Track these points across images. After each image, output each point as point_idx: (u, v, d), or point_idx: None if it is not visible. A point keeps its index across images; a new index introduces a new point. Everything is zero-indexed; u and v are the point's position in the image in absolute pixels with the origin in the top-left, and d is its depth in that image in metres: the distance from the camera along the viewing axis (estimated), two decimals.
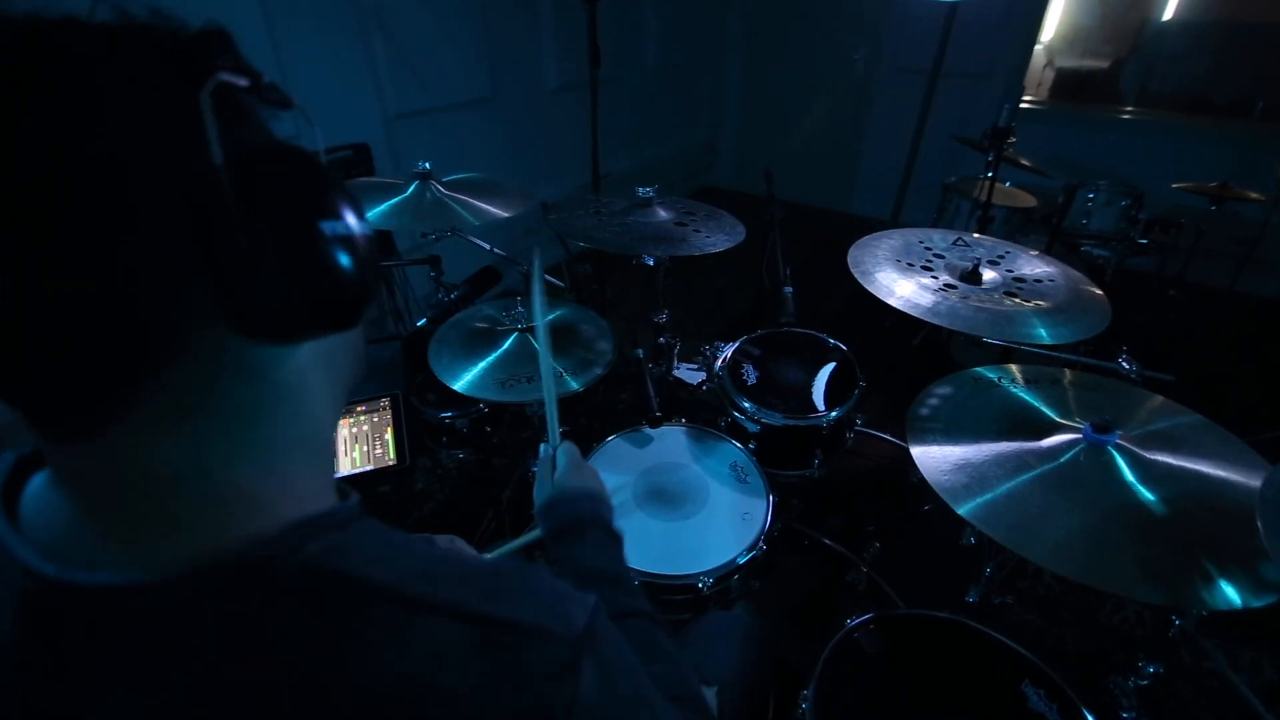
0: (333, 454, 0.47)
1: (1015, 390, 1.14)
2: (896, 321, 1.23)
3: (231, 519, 0.37)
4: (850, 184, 4.46)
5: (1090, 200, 2.54)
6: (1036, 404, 1.12)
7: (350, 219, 0.36)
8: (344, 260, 0.35)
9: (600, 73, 1.98)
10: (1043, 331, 1.14)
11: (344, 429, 1.35)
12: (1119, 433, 0.98)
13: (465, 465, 2.14)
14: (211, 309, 0.33)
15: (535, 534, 0.85)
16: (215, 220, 0.31)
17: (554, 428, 0.90)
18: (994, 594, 1.47)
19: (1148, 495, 0.92)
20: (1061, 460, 0.99)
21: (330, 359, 0.43)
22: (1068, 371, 1.20)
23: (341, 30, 2.30)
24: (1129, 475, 0.95)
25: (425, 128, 2.73)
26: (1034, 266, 1.36)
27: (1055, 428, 1.05)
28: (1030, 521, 0.89)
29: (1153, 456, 0.97)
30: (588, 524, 0.76)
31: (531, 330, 1.42)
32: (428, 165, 1.54)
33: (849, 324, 3.11)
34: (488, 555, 0.91)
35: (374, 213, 1.44)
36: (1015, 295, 1.25)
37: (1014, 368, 1.20)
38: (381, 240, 2.54)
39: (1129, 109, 3.80)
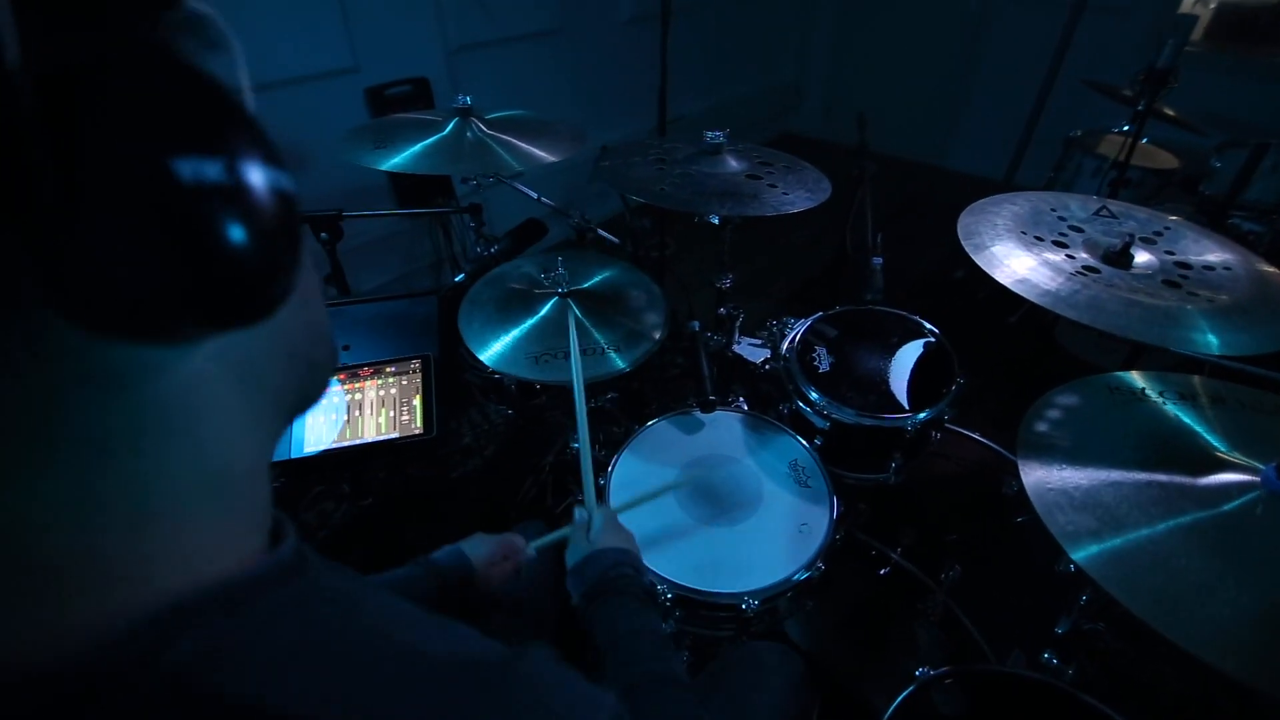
0: (263, 490, 0.34)
1: (1168, 407, 0.91)
2: (992, 294, 1.00)
3: (68, 602, 0.24)
4: (948, 135, 4.00)
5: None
6: (1195, 427, 0.88)
7: (251, 168, 0.25)
8: (232, 227, 0.24)
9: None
10: (1212, 339, 0.88)
11: (371, 390, 1.25)
12: None
13: (513, 423, 2.07)
14: (33, 288, 0.21)
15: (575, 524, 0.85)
16: (14, 154, 0.19)
17: (590, 489, 0.87)
18: (1085, 620, 1.26)
19: None
20: (1226, 509, 0.77)
21: (247, 365, 0.31)
22: (1198, 380, 0.95)
23: None
24: None
25: (488, 61, 2.57)
26: (1204, 250, 1.08)
27: (1219, 464, 0.82)
28: (1182, 590, 0.69)
29: None
30: (622, 586, 0.73)
31: (572, 295, 1.27)
32: (469, 100, 1.38)
33: (936, 295, 2.85)
34: (532, 546, 0.90)
35: (407, 153, 1.30)
36: (1178, 285, 0.99)
37: (1164, 376, 0.95)
38: (438, 182, 2.44)
39: None
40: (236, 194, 0.24)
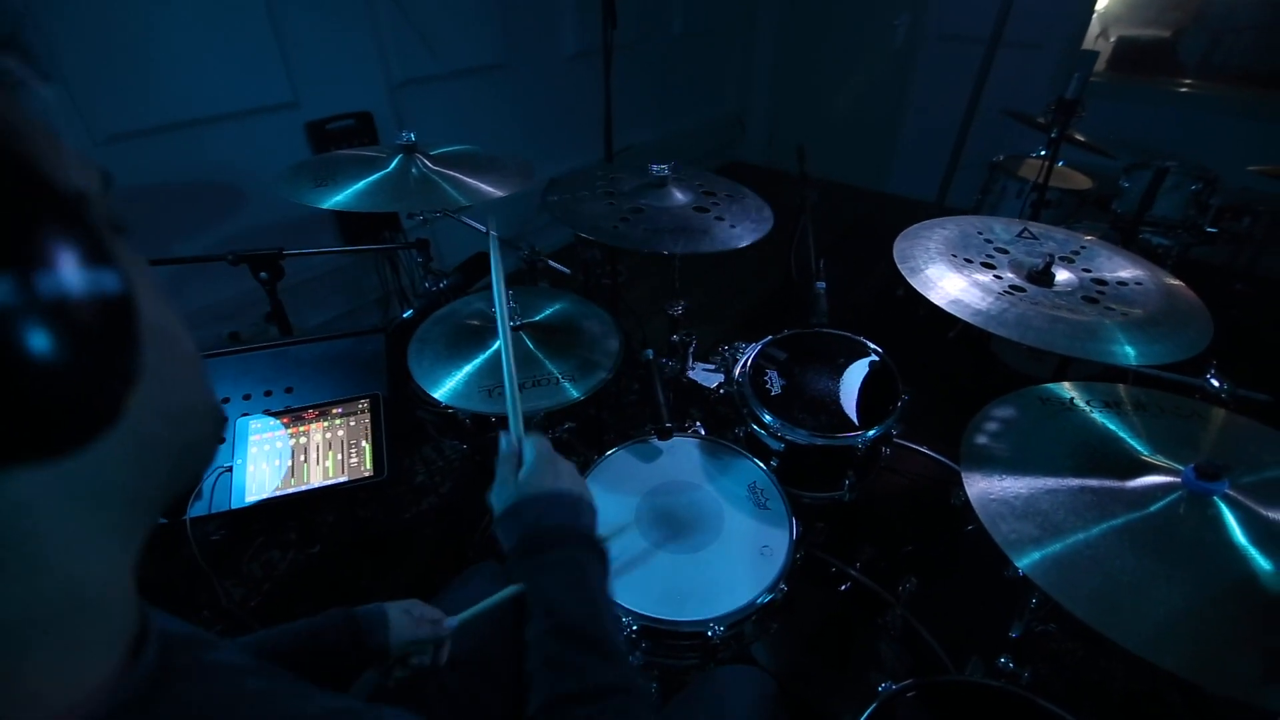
0: (120, 601, 0.30)
1: (1094, 414, 0.96)
2: (931, 312, 1.05)
3: None
4: (887, 161, 4.20)
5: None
6: (1120, 433, 0.93)
7: (53, 276, 0.21)
8: (22, 356, 0.20)
9: (618, 35, 1.79)
10: (1129, 349, 0.94)
11: (317, 433, 1.21)
12: (1228, 480, 0.80)
13: (469, 458, 2.03)
14: None
15: (506, 592, 0.68)
16: None
17: (516, 416, 0.73)
18: (1036, 622, 1.31)
19: (1265, 565, 0.74)
20: (1152, 510, 0.81)
21: (86, 480, 0.26)
22: (1122, 388, 1.01)
23: None
24: (1241, 537, 0.76)
25: (432, 95, 2.57)
26: (1117, 267, 1.16)
27: (1145, 467, 0.87)
28: (1119, 592, 0.72)
29: (1272, 514, 0.78)
30: (562, 537, 0.63)
31: (524, 328, 1.26)
32: (412, 137, 1.37)
33: (879, 313, 2.96)
34: (452, 621, 0.77)
35: (350, 190, 1.28)
36: (1096, 301, 1.05)
37: (1091, 386, 1.01)
38: (384, 217, 2.40)
39: (1194, 83, 3.47)
40: (28, 315, 0.20)
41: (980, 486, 0.86)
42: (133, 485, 0.29)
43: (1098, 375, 1.19)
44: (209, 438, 0.34)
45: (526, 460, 0.69)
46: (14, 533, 0.24)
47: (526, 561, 0.62)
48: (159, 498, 0.31)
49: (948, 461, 1.75)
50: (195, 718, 0.29)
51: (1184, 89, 3.45)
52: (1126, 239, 2.31)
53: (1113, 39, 3.65)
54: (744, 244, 1.25)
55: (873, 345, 1.41)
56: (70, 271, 0.22)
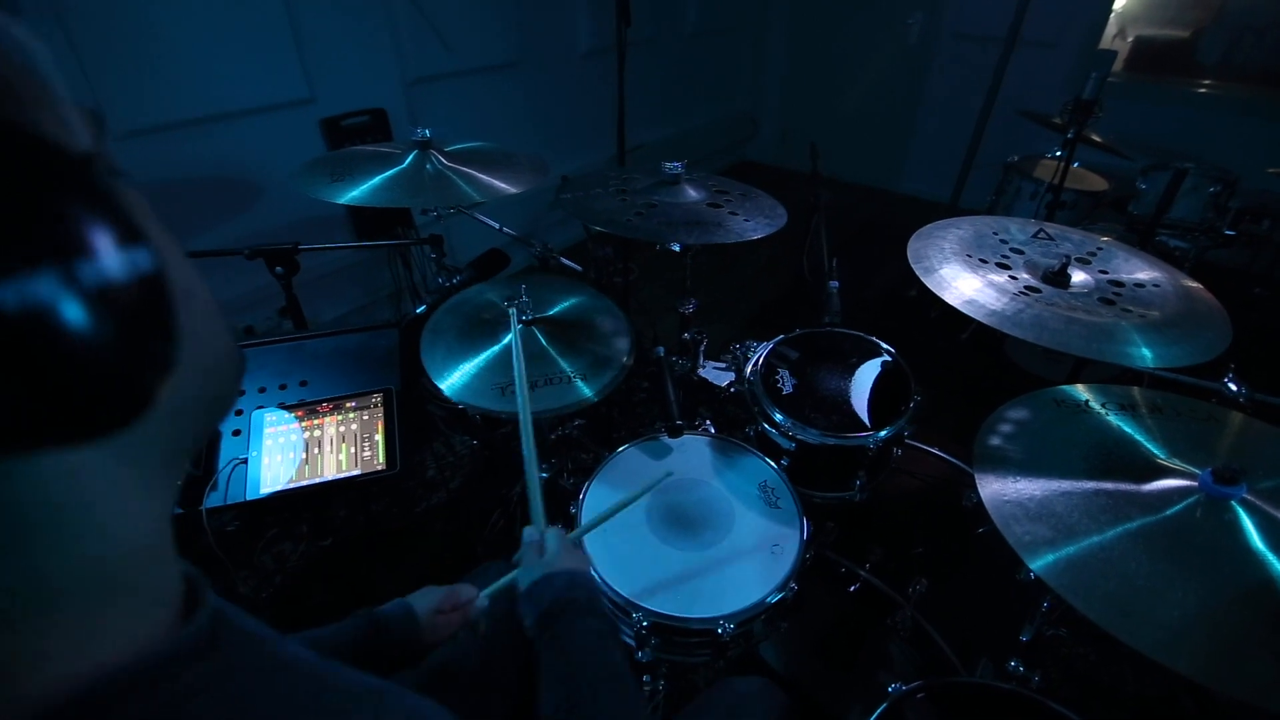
0: (166, 556, 0.32)
1: (1110, 417, 0.95)
2: (944, 312, 1.05)
3: None
4: (900, 161, 4.17)
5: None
6: (1136, 436, 0.93)
7: (92, 263, 0.21)
8: (72, 341, 0.21)
9: (631, 34, 1.79)
10: (1146, 352, 0.93)
11: (330, 426, 1.22)
12: (1246, 485, 0.79)
13: (479, 454, 2.04)
14: None
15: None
16: None
17: (538, 510, 0.82)
18: (1047, 626, 1.30)
19: None
20: (1167, 513, 0.80)
21: (133, 443, 0.26)
22: (1138, 391, 1.00)
23: None
24: (1259, 542, 0.76)
25: (446, 92, 2.59)
26: (1134, 268, 1.15)
27: (1161, 470, 0.86)
28: (1133, 595, 0.72)
29: None
30: (578, 611, 0.68)
31: (536, 323, 1.27)
32: (427, 133, 1.38)
33: (891, 314, 2.94)
34: (483, 600, 0.82)
35: (365, 186, 1.29)
36: (1112, 302, 1.04)
37: (1106, 389, 1.00)
38: (397, 213, 2.42)
39: (1212, 83, 3.42)
40: (77, 301, 0.21)
41: (994, 488, 0.86)
42: (171, 444, 0.30)
43: (1113, 378, 1.18)
44: (232, 385, 0.35)
45: (550, 547, 0.77)
46: (62, 501, 0.25)
47: (550, 629, 0.67)
48: (191, 449, 0.33)
49: (959, 463, 1.74)
50: (243, 676, 0.30)
51: (1203, 89, 3.41)
52: (1143, 241, 2.29)
53: (1130, 39, 3.61)
54: (757, 235, 1.25)
55: (885, 345, 1.40)
56: (113, 254, 0.22)
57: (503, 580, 0.81)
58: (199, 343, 0.29)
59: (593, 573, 0.80)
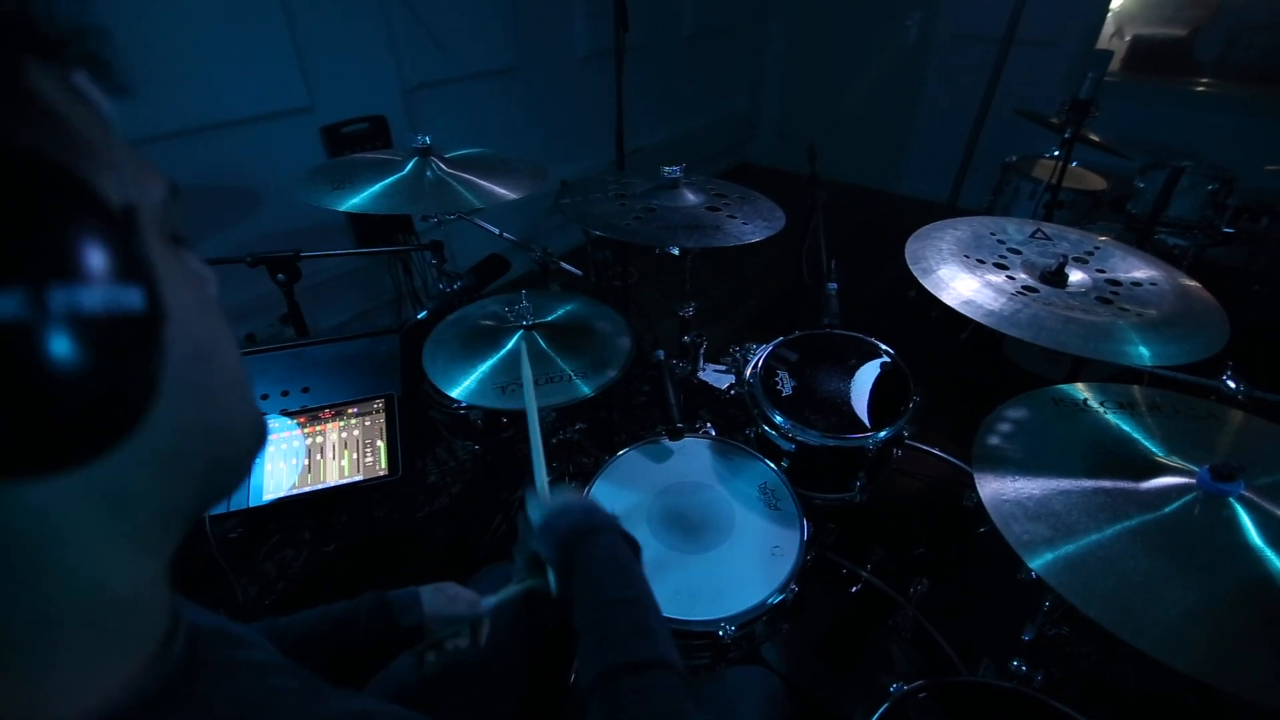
0: (154, 602, 0.31)
1: (1108, 416, 0.96)
2: (944, 313, 1.06)
3: None
4: (898, 162, 4.18)
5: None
6: (1134, 434, 0.93)
7: (91, 280, 0.22)
8: (32, 370, 0.21)
9: (629, 37, 1.80)
10: (1144, 350, 0.94)
11: (333, 432, 1.23)
12: (1244, 481, 0.80)
13: (480, 458, 2.04)
14: None
15: (529, 583, 0.74)
16: None
17: (541, 475, 0.80)
18: (1048, 625, 1.30)
19: None
20: (1166, 511, 0.81)
21: (106, 491, 0.26)
22: (1138, 390, 1.00)
23: None
24: (1257, 538, 0.76)
25: (446, 99, 2.60)
26: (1131, 267, 1.15)
27: (1159, 468, 0.86)
28: (1133, 593, 0.72)
29: None
30: (598, 530, 0.67)
31: (536, 328, 1.27)
32: (428, 139, 1.39)
33: (890, 315, 2.95)
34: (488, 600, 0.80)
35: (366, 194, 1.30)
36: (1110, 301, 1.05)
37: (1105, 387, 1.01)
38: (398, 219, 2.43)
39: (1210, 81, 3.42)
40: (45, 326, 0.20)
41: (993, 487, 0.86)
42: (159, 496, 0.29)
43: (1112, 377, 1.18)
44: (246, 455, 0.34)
45: (558, 496, 0.76)
46: (36, 539, 0.24)
47: (574, 560, 0.66)
48: (190, 508, 0.32)
49: (959, 463, 1.74)
50: (217, 714, 0.30)
51: (1200, 88, 3.41)
52: (1142, 240, 2.29)
53: (1128, 38, 3.62)
54: (756, 238, 1.25)
55: (884, 346, 1.40)
56: (92, 286, 0.22)
57: (507, 591, 0.79)
58: (203, 401, 0.30)
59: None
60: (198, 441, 0.30)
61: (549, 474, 0.81)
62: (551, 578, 0.68)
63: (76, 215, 0.22)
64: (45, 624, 0.25)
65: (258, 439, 0.35)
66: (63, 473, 0.23)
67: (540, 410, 1.14)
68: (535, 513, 0.73)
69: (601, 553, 0.66)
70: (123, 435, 0.24)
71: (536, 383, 1.16)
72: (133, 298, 0.24)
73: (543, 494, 0.77)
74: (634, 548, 0.71)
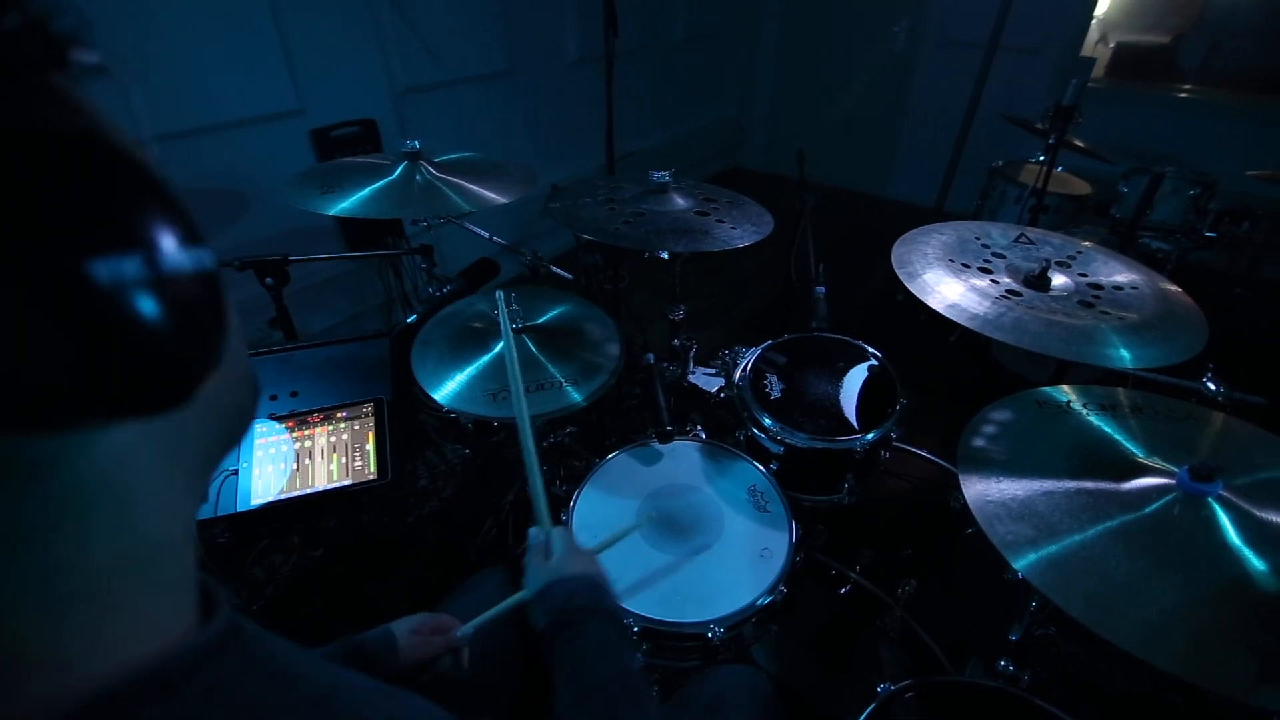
0: (190, 557, 0.33)
1: (1090, 417, 0.97)
2: (932, 317, 1.07)
3: None
4: (887, 166, 4.21)
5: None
6: (1116, 435, 0.94)
7: (168, 256, 0.25)
8: (146, 321, 0.24)
9: (620, 42, 1.81)
10: (1125, 353, 0.95)
11: (321, 437, 1.22)
12: (1222, 482, 0.81)
13: (471, 463, 2.04)
14: None
15: (519, 596, 0.77)
16: None
17: (543, 511, 0.81)
18: (1036, 625, 1.31)
19: (1259, 565, 0.75)
20: (1146, 511, 0.82)
21: (175, 434, 0.29)
22: (1122, 392, 1.02)
23: None
24: (1235, 538, 0.77)
25: (436, 102, 2.59)
26: (1112, 271, 1.17)
27: (1140, 469, 0.87)
28: (1114, 592, 0.73)
29: (1266, 515, 0.79)
30: (588, 615, 0.68)
31: (526, 331, 1.27)
32: (416, 144, 1.39)
33: (880, 318, 2.97)
34: (466, 629, 0.81)
35: (355, 197, 1.30)
36: (1091, 305, 1.07)
37: (1088, 389, 1.02)
38: (387, 223, 2.42)
39: (1193, 87, 3.48)
40: (150, 286, 0.24)
41: (977, 488, 0.87)
42: (204, 444, 0.32)
43: (1098, 379, 1.20)
44: (255, 399, 0.37)
45: (555, 550, 0.76)
46: (112, 486, 0.26)
47: (561, 637, 0.67)
48: (218, 456, 0.35)
49: (947, 465, 1.75)
50: (263, 674, 0.31)
51: (1183, 94, 3.47)
52: (1125, 244, 2.32)
53: (1112, 44, 3.67)
54: (744, 243, 1.26)
55: (872, 349, 1.42)
56: (181, 250, 0.25)
57: (486, 615, 0.80)
58: (233, 353, 0.31)
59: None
60: (230, 390, 0.33)
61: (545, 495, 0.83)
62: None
63: (145, 187, 0.25)
64: (118, 561, 0.27)
65: (257, 386, 0.38)
66: (161, 414, 0.26)
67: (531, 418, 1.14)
68: (532, 580, 0.74)
69: (585, 642, 0.66)
70: (203, 383, 0.27)
71: (527, 391, 1.16)
72: (206, 257, 0.27)
73: (542, 540, 0.78)
74: (625, 631, 0.72)
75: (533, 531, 0.80)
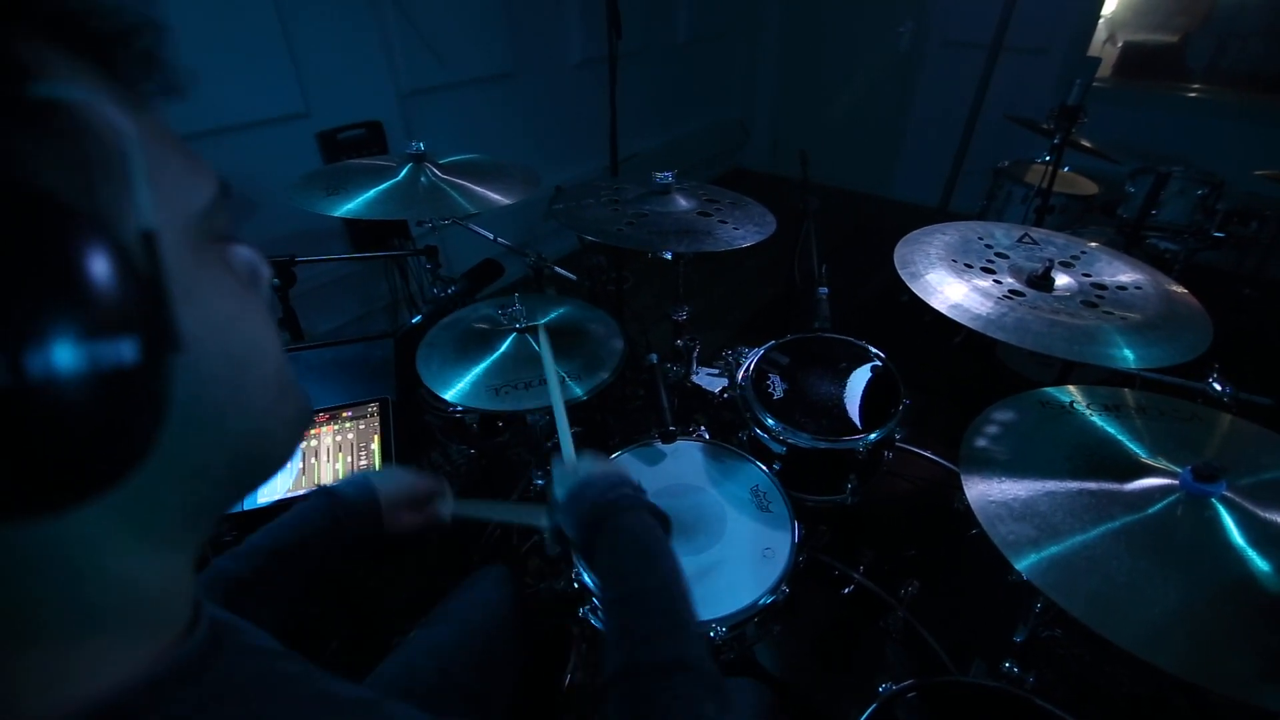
0: (181, 592, 0.32)
1: (1094, 418, 0.97)
2: (936, 318, 1.07)
3: None
4: (891, 167, 4.21)
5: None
6: (1119, 436, 0.94)
7: (65, 348, 0.21)
8: (36, 428, 0.21)
9: (623, 44, 1.82)
10: (1128, 353, 0.95)
11: (327, 436, 1.23)
12: (1226, 482, 0.81)
13: (476, 462, 2.04)
14: None
15: (527, 511, 0.78)
16: None
17: (568, 447, 0.80)
18: (1041, 627, 1.31)
19: (1262, 565, 0.74)
20: (1150, 511, 0.82)
21: (131, 503, 0.27)
22: (1129, 393, 1.01)
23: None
24: (1238, 538, 0.77)
25: (441, 104, 2.61)
26: (1116, 271, 1.16)
27: (1142, 469, 0.87)
28: (1116, 593, 0.73)
29: (1270, 516, 0.79)
30: (627, 506, 0.66)
31: (528, 330, 1.28)
32: (421, 146, 1.40)
33: (884, 319, 2.96)
34: (450, 512, 0.85)
35: (360, 199, 1.31)
36: (1095, 305, 1.06)
37: (1092, 390, 1.02)
38: (393, 224, 2.44)
39: (1200, 87, 3.46)
40: (29, 392, 0.20)
41: (979, 489, 0.87)
42: (186, 503, 0.30)
43: (1102, 380, 1.19)
44: (284, 450, 0.35)
45: (585, 464, 0.75)
46: (71, 552, 0.26)
47: (595, 534, 0.65)
48: (219, 505, 0.33)
49: (950, 465, 1.75)
50: (239, 689, 0.31)
51: (1191, 94, 3.45)
52: (1131, 244, 2.31)
53: (1119, 44, 3.65)
54: (747, 243, 1.27)
55: (875, 350, 1.42)
56: (80, 344, 0.21)
57: (482, 513, 0.83)
58: (241, 410, 0.30)
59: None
60: (226, 450, 0.30)
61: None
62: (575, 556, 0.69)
63: (72, 260, 0.21)
64: (79, 616, 0.27)
65: (296, 432, 0.35)
66: (77, 508, 0.23)
67: (533, 414, 1.16)
68: (560, 486, 0.72)
69: (624, 536, 0.64)
70: (130, 469, 0.24)
71: (530, 386, 1.17)
72: (123, 351, 0.22)
73: (569, 461, 0.76)
74: (663, 521, 0.69)
75: (556, 460, 0.78)
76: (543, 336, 0.96)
